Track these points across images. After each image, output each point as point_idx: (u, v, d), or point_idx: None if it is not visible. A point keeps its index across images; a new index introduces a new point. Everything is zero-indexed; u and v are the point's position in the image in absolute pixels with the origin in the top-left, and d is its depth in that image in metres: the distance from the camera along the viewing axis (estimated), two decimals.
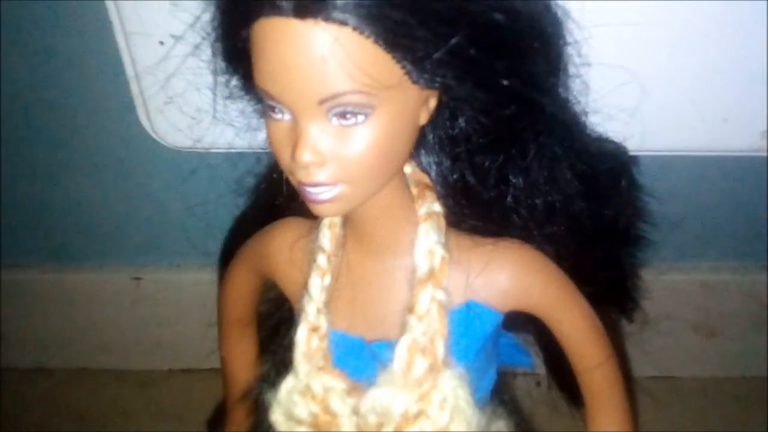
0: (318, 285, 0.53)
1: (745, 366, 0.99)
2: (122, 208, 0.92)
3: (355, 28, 0.40)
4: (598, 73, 0.59)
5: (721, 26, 0.64)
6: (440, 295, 0.50)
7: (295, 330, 0.53)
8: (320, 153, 0.43)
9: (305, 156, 0.43)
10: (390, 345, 0.51)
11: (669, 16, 0.63)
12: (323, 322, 0.53)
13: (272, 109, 0.44)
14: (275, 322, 0.63)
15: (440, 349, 0.50)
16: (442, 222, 0.51)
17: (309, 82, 0.41)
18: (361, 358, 0.53)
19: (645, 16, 0.63)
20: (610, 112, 0.61)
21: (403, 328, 0.50)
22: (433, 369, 0.50)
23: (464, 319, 0.52)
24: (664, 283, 0.90)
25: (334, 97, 0.42)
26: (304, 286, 0.53)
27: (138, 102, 0.72)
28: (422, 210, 0.51)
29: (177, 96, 0.64)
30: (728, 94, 0.67)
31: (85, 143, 0.86)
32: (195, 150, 0.71)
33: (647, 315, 0.93)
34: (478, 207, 0.53)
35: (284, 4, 0.40)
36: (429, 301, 0.50)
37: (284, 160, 0.46)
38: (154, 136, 0.74)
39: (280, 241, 0.57)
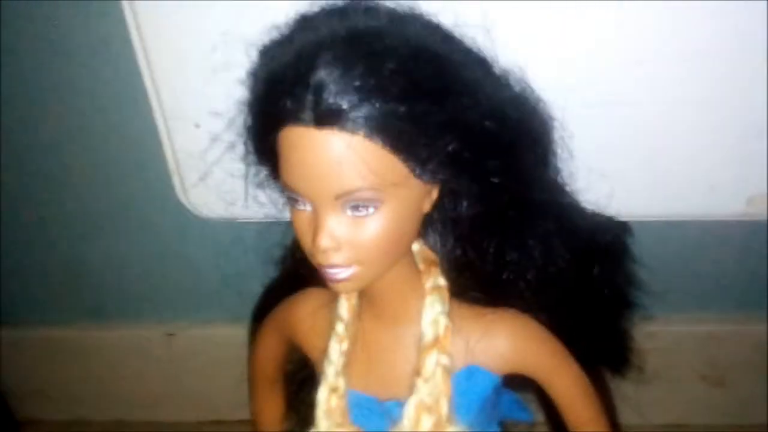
0: (337, 350, 0.58)
1: (753, 414, 0.99)
2: (157, 270, 0.95)
3: (365, 136, 0.46)
4: (592, 148, 0.64)
5: (708, 100, 0.68)
6: (444, 360, 0.55)
7: (317, 390, 0.59)
8: (336, 239, 0.49)
9: (324, 242, 0.49)
10: (400, 404, 0.56)
11: (655, 92, 0.68)
12: (341, 383, 0.58)
13: (295, 201, 0.50)
14: (300, 380, 0.68)
15: (444, 408, 0.55)
16: (446, 294, 0.57)
17: (326, 181, 0.47)
18: (375, 416, 0.58)
19: (633, 92, 0.68)
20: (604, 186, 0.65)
21: (411, 389, 0.56)
22: (438, 426, 0.55)
23: (466, 381, 0.57)
24: (671, 334, 0.93)
25: (348, 193, 0.47)
26: (325, 351, 0.59)
27: (175, 177, 0.78)
28: (428, 284, 0.57)
29: (212, 177, 0.69)
30: (714, 165, 0.71)
31: (124, 211, 0.90)
32: (227, 220, 0.77)
33: (656, 365, 0.95)
34: (478, 280, 0.58)
35: (305, 116, 0.46)
36: (434, 365, 0.55)
37: (306, 245, 0.51)
38: (188, 207, 0.80)
39: (303, 311, 0.63)
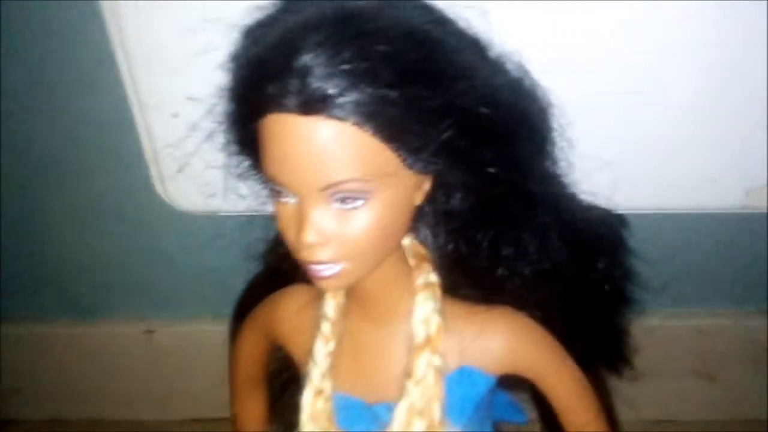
0: (322, 351, 0.56)
1: (745, 408, 1.00)
2: (135, 265, 0.94)
3: (354, 123, 0.43)
4: (590, 140, 0.62)
5: (709, 91, 0.67)
6: (436, 361, 0.53)
7: (301, 393, 0.56)
8: (323, 234, 0.46)
9: (309, 237, 0.46)
10: (390, 407, 0.54)
11: (657, 82, 0.67)
12: (327, 386, 0.56)
13: (279, 193, 0.47)
14: (284, 381, 0.65)
15: (436, 412, 0.53)
16: (438, 291, 0.54)
17: (312, 172, 0.44)
18: (362, 420, 0.56)
19: (632, 83, 0.67)
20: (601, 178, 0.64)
21: (401, 391, 0.53)
22: (430, 430, 0.53)
23: (459, 382, 0.55)
24: (664, 329, 0.92)
25: (335, 184, 0.45)
26: (310, 352, 0.56)
27: (153, 169, 0.76)
28: (419, 280, 0.54)
29: (191, 168, 0.67)
30: (714, 155, 0.70)
31: (100, 204, 0.89)
32: (207, 213, 0.74)
33: (648, 360, 0.95)
34: (472, 276, 0.56)
35: (290, 102, 0.43)
36: (426, 367, 0.53)
37: (290, 240, 0.49)
38: (166, 200, 0.78)
39: (287, 309, 0.61)
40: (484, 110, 0.47)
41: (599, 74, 0.66)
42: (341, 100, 0.43)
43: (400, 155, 0.45)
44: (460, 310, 0.56)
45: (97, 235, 0.92)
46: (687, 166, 0.71)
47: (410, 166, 0.46)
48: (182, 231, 0.87)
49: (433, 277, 0.55)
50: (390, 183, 0.46)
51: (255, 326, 0.65)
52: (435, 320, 0.53)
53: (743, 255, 0.87)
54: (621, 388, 0.77)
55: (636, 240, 0.79)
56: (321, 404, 0.55)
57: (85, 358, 1.03)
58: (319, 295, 0.58)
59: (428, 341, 0.53)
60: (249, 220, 0.65)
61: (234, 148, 0.52)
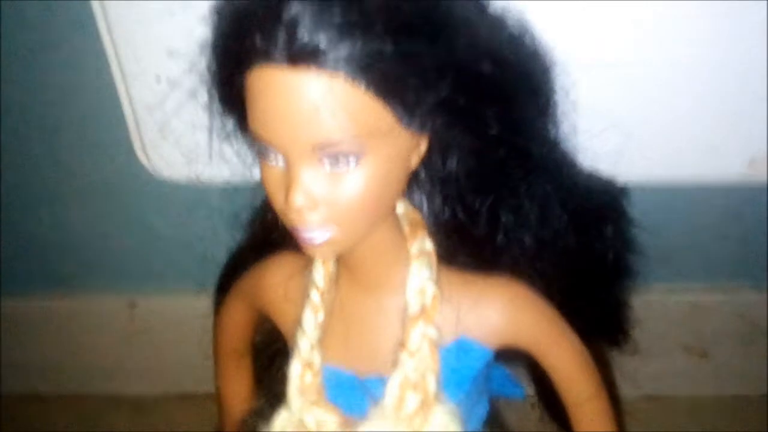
0: (311, 321, 0.53)
1: (737, 385, 1.00)
2: (117, 236, 0.92)
3: (346, 78, 0.41)
4: (591, 109, 0.60)
5: (709, 58, 0.65)
6: (431, 332, 0.51)
7: (289, 365, 0.54)
8: (313, 197, 0.44)
9: (298, 200, 0.44)
10: (382, 381, 0.52)
11: (657, 52, 0.65)
12: (316, 358, 0.53)
13: (266, 153, 0.45)
14: (270, 353, 0.63)
15: (431, 386, 0.51)
16: (434, 260, 0.52)
17: (302, 129, 0.42)
18: (353, 394, 0.54)
19: (634, 52, 0.65)
20: (602, 146, 0.62)
21: (395, 364, 0.51)
22: (424, 405, 0.51)
23: (455, 355, 0.53)
24: (655, 304, 0.91)
25: (326, 144, 0.42)
26: (298, 322, 0.54)
27: (134, 136, 0.73)
28: (414, 248, 0.52)
29: (173, 131, 0.65)
30: (716, 124, 0.69)
31: (81, 173, 0.86)
32: (191, 181, 0.72)
33: (640, 336, 0.94)
34: (469, 244, 0.54)
35: (277, 54, 0.41)
36: (420, 338, 0.51)
37: (278, 204, 0.46)
38: (149, 169, 0.75)
39: (275, 277, 0.58)
40: (484, 66, 0.45)
41: (596, 44, 0.64)
42: (333, 53, 0.40)
43: (395, 113, 0.43)
44: (456, 279, 0.53)
45: (77, 205, 0.89)
46: (687, 136, 0.69)
47: (406, 125, 0.44)
48: (165, 200, 0.84)
49: (429, 245, 0.52)
50: (384, 143, 0.44)
51: (240, 296, 0.62)
52: (430, 290, 0.51)
53: (741, 230, 0.86)
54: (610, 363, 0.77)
55: (631, 212, 0.79)
56: (310, 377, 0.53)
57: (65, 333, 1.01)
58: (308, 264, 0.55)
59: (423, 311, 0.51)
60: (234, 188, 0.62)
61: (218, 107, 0.50)
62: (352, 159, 0.43)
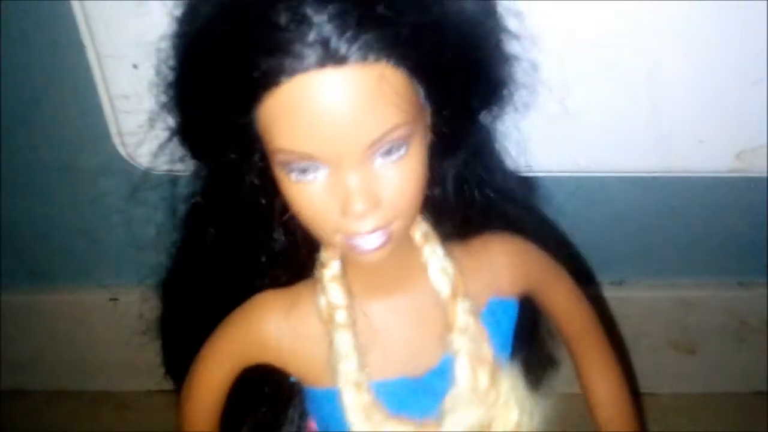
0: (348, 341, 0.50)
1: (724, 382, 1.00)
2: (97, 229, 0.91)
3: (389, 62, 0.40)
4: (584, 97, 0.61)
5: (699, 52, 0.65)
6: (469, 305, 0.51)
7: (341, 391, 0.51)
8: (374, 197, 0.42)
9: (359, 206, 0.42)
10: (437, 371, 0.52)
11: (648, 44, 0.65)
12: (364, 378, 0.51)
13: (302, 171, 0.42)
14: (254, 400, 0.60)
15: (490, 354, 0.51)
16: (437, 239, 0.52)
17: (353, 130, 0.40)
18: (414, 396, 0.53)
19: (625, 43, 0.65)
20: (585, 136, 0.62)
21: (445, 348, 0.51)
22: (492, 375, 0.51)
23: (492, 318, 0.54)
24: (643, 300, 0.92)
25: (384, 135, 0.41)
26: (332, 349, 0.51)
27: (111, 124, 0.72)
28: (417, 235, 0.51)
29: (151, 120, 0.63)
30: (704, 118, 0.69)
31: (59, 165, 0.85)
32: (171, 172, 0.71)
33: (627, 332, 0.94)
34: (448, 214, 0.53)
35: (313, 57, 0.38)
36: (465, 314, 0.51)
37: (329, 220, 0.44)
38: (127, 158, 0.74)
39: (272, 320, 0.53)
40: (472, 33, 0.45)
41: (582, 33, 0.64)
42: (367, 39, 0.38)
43: (423, 90, 0.43)
44: (457, 250, 0.54)
45: (55, 197, 0.88)
46: (674, 127, 0.69)
47: (432, 104, 0.44)
48: (145, 192, 0.80)
49: (426, 227, 0.52)
50: (419, 124, 0.43)
51: (222, 355, 0.55)
52: (449, 266, 0.51)
53: (728, 225, 0.86)
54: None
55: (618, 206, 0.79)
56: (366, 397, 0.50)
57: (46, 327, 1.00)
58: (298, 296, 0.53)
59: (455, 288, 0.51)
60: None
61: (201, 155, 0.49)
62: (403, 146, 0.42)
